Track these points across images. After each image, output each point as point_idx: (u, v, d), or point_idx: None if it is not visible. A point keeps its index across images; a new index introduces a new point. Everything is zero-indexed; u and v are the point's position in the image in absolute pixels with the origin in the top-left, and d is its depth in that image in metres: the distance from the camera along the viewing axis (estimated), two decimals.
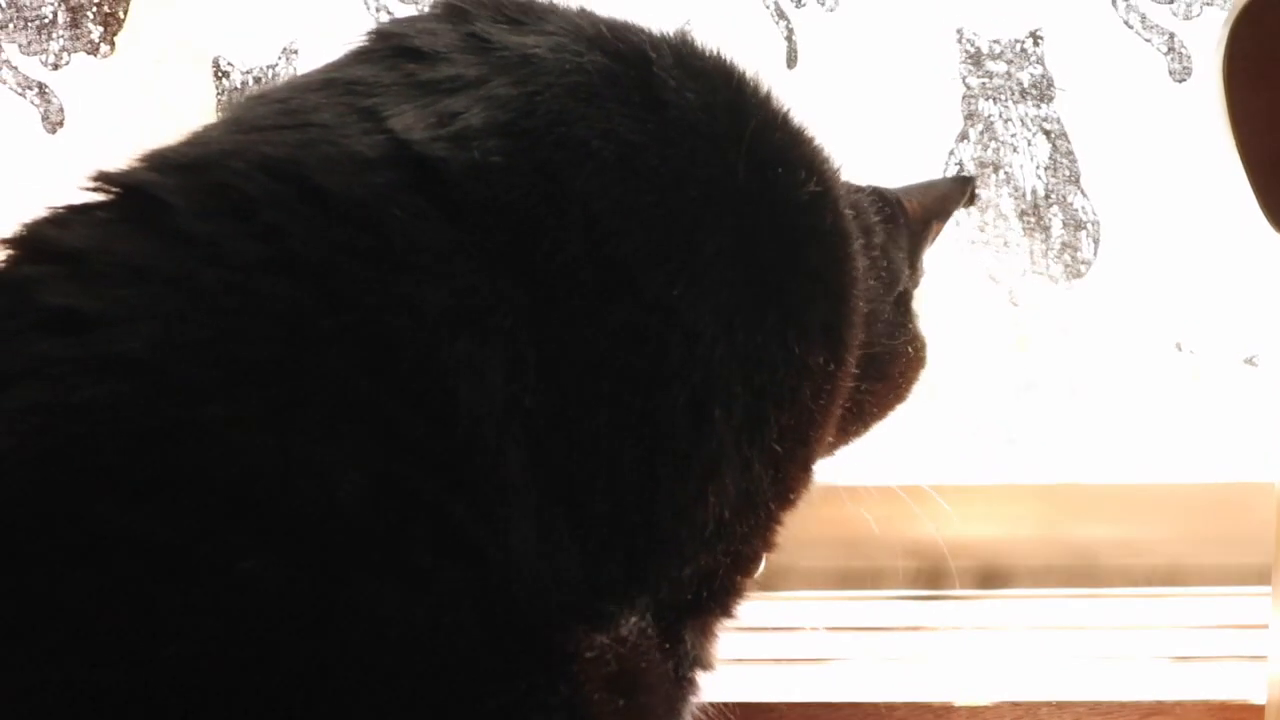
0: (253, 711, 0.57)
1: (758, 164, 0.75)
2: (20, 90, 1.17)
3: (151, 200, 0.64)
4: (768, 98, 0.79)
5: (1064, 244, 1.15)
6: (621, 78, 0.73)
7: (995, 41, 1.15)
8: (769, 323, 0.74)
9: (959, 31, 1.16)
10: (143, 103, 1.17)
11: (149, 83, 1.17)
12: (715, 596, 0.77)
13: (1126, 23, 1.11)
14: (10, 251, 0.65)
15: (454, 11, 0.76)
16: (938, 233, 1.02)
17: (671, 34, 0.78)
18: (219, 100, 1.17)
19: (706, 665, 0.77)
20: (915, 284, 0.99)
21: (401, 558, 0.60)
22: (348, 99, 0.70)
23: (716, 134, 0.74)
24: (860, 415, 0.90)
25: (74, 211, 0.66)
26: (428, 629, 0.60)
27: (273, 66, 1.17)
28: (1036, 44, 1.15)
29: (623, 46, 0.74)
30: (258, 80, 1.17)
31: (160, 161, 0.68)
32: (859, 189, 0.90)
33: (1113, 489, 1.22)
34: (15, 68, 1.17)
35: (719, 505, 0.73)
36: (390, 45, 0.74)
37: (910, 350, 0.95)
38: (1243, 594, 1.14)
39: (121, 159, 0.69)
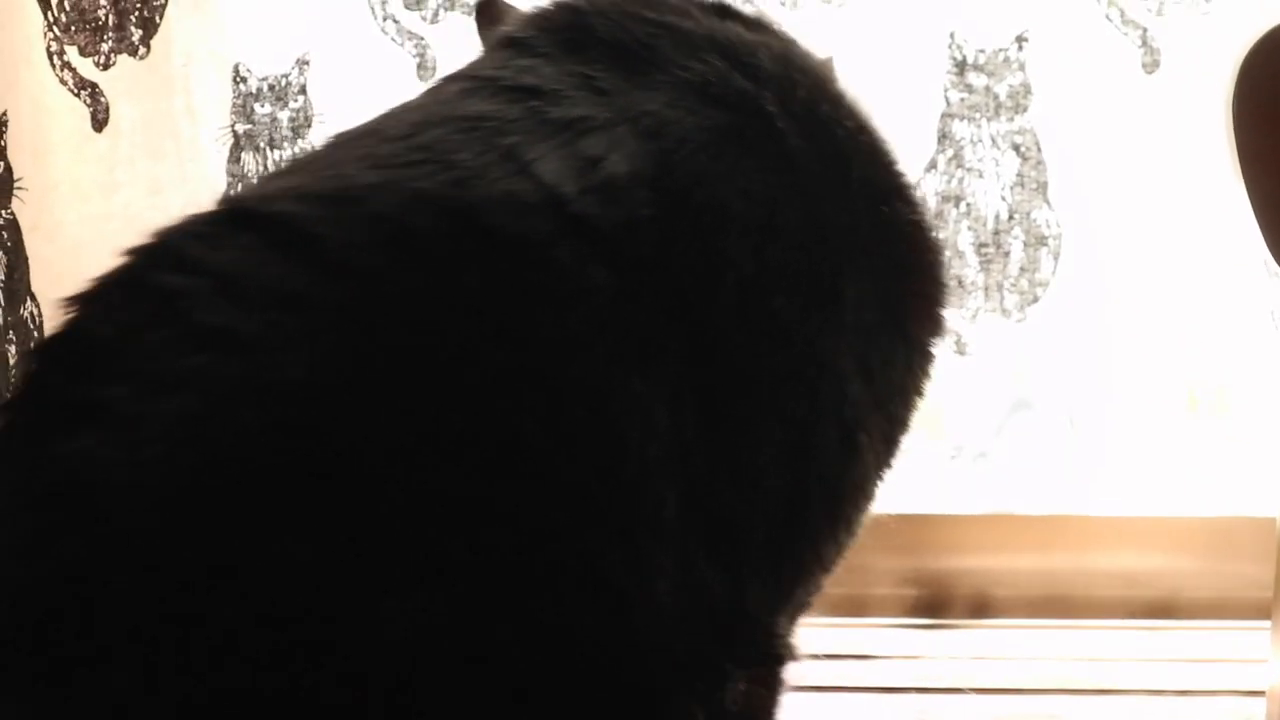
0: None
1: (870, 203, 0.76)
2: (76, 90, 1.21)
3: (296, 231, 0.62)
4: (857, 130, 0.78)
5: (1022, 268, 1.18)
6: (746, 132, 0.73)
7: (981, 50, 1.18)
8: (899, 357, 0.77)
9: (951, 35, 1.18)
10: (170, 105, 1.19)
11: (177, 84, 1.20)
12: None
13: (1107, 17, 1.16)
14: (143, 258, 0.63)
15: (521, 45, 0.76)
16: None
17: (768, 64, 0.76)
18: (234, 104, 1.19)
19: (795, 657, 0.76)
20: None
21: (543, 610, 0.59)
22: (480, 135, 0.68)
23: (835, 180, 0.75)
24: None
25: (214, 227, 0.64)
26: (557, 680, 0.59)
27: (286, 75, 1.20)
28: (1021, 48, 1.18)
29: (733, 98, 0.74)
30: (273, 88, 1.19)
31: (295, 191, 0.66)
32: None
33: (1110, 521, 1.22)
34: (75, 69, 1.21)
35: (850, 527, 0.75)
36: (495, 85, 0.73)
37: None
38: (1242, 628, 1.14)
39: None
